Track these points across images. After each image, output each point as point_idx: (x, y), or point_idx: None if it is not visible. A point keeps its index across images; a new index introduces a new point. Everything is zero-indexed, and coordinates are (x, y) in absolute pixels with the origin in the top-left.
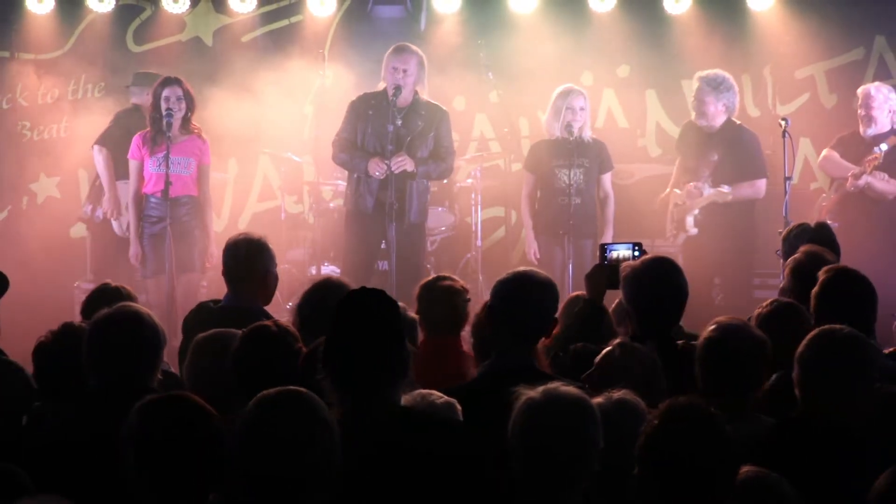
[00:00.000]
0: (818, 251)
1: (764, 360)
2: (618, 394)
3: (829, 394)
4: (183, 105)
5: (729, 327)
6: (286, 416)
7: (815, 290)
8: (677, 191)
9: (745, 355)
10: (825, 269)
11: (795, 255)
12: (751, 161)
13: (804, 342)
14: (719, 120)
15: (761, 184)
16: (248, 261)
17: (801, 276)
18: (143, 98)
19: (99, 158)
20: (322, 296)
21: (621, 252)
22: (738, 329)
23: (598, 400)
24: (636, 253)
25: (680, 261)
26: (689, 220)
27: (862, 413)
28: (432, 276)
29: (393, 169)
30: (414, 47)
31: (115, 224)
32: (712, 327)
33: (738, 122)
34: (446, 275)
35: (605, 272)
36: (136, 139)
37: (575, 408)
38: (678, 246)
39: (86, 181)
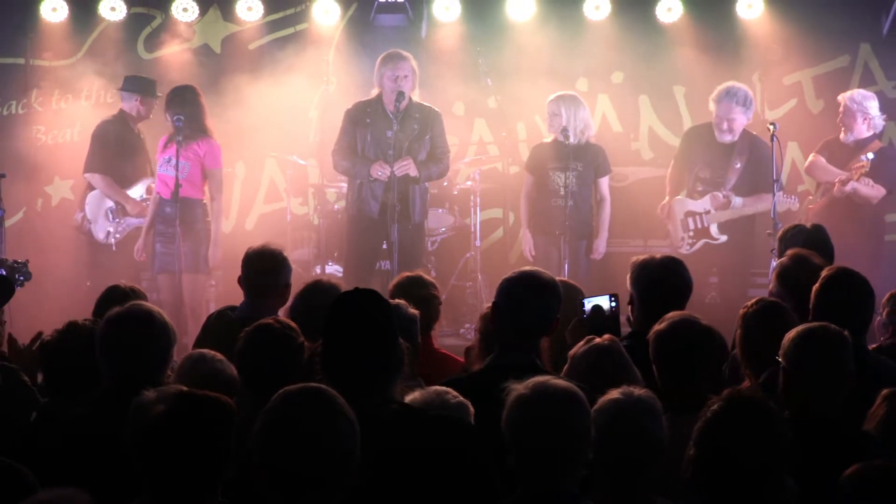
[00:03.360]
0: (805, 255)
1: (714, 350)
2: (638, 391)
3: (812, 389)
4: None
5: (676, 322)
6: (309, 411)
7: (815, 288)
8: (687, 198)
9: (694, 347)
10: (827, 268)
11: (782, 260)
12: (767, 173)
13: (787, 342)
14: (740, 131)
15: (780, 195)
16: (272, 274)
17: (787, 280)
18: (130, 104)
19: (100, 185)
20: (313, 298)
21: (599, 303)
22: (685, 322)
23: (615, 395)
24: (613, 304)
25: None
26: (714, 228)
27: (840, 407)
28: (404, 278)
29: (396, 172)
30: (406, 53)
31: (93, 228)
32: (660, 323)
33: (753, 132)
34: (419, 276)
35: (585, 325)
36: (160, 142)
37: (562, 400)
38: (692, 252)
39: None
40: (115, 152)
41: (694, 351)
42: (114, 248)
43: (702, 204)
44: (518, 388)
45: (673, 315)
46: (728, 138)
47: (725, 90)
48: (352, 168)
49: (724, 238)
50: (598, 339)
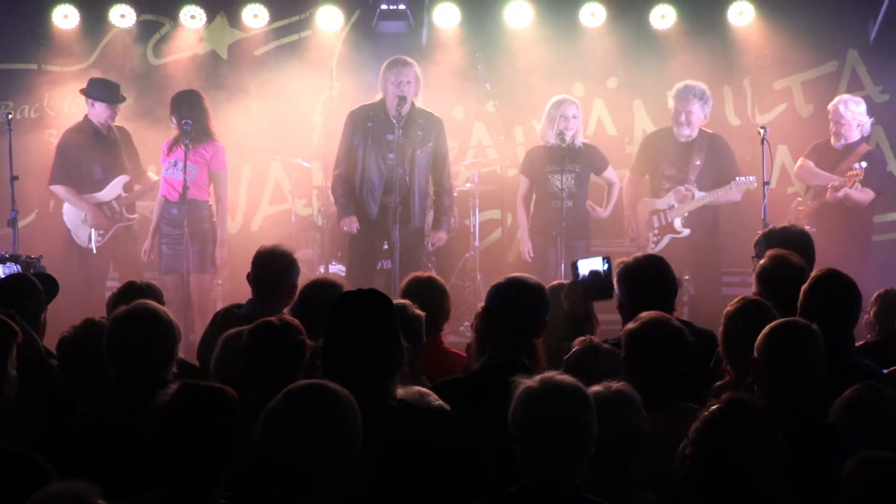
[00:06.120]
0: (783, 255)
1: (682, 351)
2: (616, 385)
3: (782, 383)
4: (191, 116)
5: (648, 321)
6: (312, 408)
7: (803, 288)
8: (652, 198)
9: (663, 346)
10: (816, 270)
11: (761, 261)
12: (732, 166)
13: (760, 338)
14: (699, 128)
15: (737, 180)
16: (282, 274)
17: (766, 280)
18: (91, 109)
19: (63, 195)
20: (313, 296)
21: (592, 266)
22: (657, 322)
23: (596, 389)
24: (606, 266)
25: None
26: (678, 222)
27: (811, 400)
28: (413, 277)
29: (434, 243)
30: (410, 59)
31: (74, 236)
32: (633, 322)
33: (709, 130)
34: (429, 276)
35: (578, 287)
36: (164, 146)
37: (570, 395)
38: (658, 250)
39: None
40: (81, 159)
41: (666, 350)
42: (94, 251)
43: (666, 200)
44: (526, 381)
45: (646, 314)
46: (686, 132)
47: (683, 86)
48: (337, 202)
49: (686, 231)
50: (582, 339)
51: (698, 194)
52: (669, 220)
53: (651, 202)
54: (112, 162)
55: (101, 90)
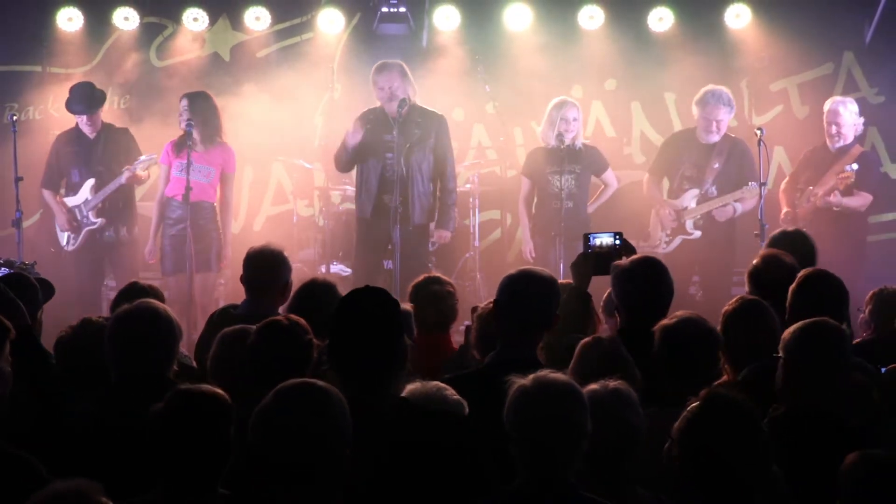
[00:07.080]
0: (775, 254)
1: (715, 351)
2: (613, 383)
3: (810, 381)
4: (196, 118)
5: (685, 318)
6: (301, 406)
7: (791, 288)
8: (670, 199)
9: (698, 344)
10: (803, 270)
11: (753, 261)
12: (751, 171)
13: (788, 336)
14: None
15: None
16: (272, 272)
17: (758, 280)
18: (76, 117)
19: (47, 199)
20: (309, 297)
21: (604, 240)
22: (693, 320)
23: (593, 387)
24: (618, 242)
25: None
26: (689, 224)
27: (839, 400)
28: (422, 277)
29: (438, 241)
30: (392, 61)
31: (59, 239)
32: (668, 318)
33: (734, 135)
34: (436, 276)
35: (589, 260)
36: (166, 146)
37: (563, 393)
38: (669, 251)
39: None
40: (62, 163)
41: (700, 348)
42: (67, 252)
43: (681, 202)
44: (520, 381)
45: (682, 312)
46: (714, 138)
47: (710, 92)
48: (337, 150)
49: (697, 233)
50: (600, 335)
51: (715, 196)
52: (682, 222)
53: (671, 203)
54: (90, 166)
55: (73, 101)
